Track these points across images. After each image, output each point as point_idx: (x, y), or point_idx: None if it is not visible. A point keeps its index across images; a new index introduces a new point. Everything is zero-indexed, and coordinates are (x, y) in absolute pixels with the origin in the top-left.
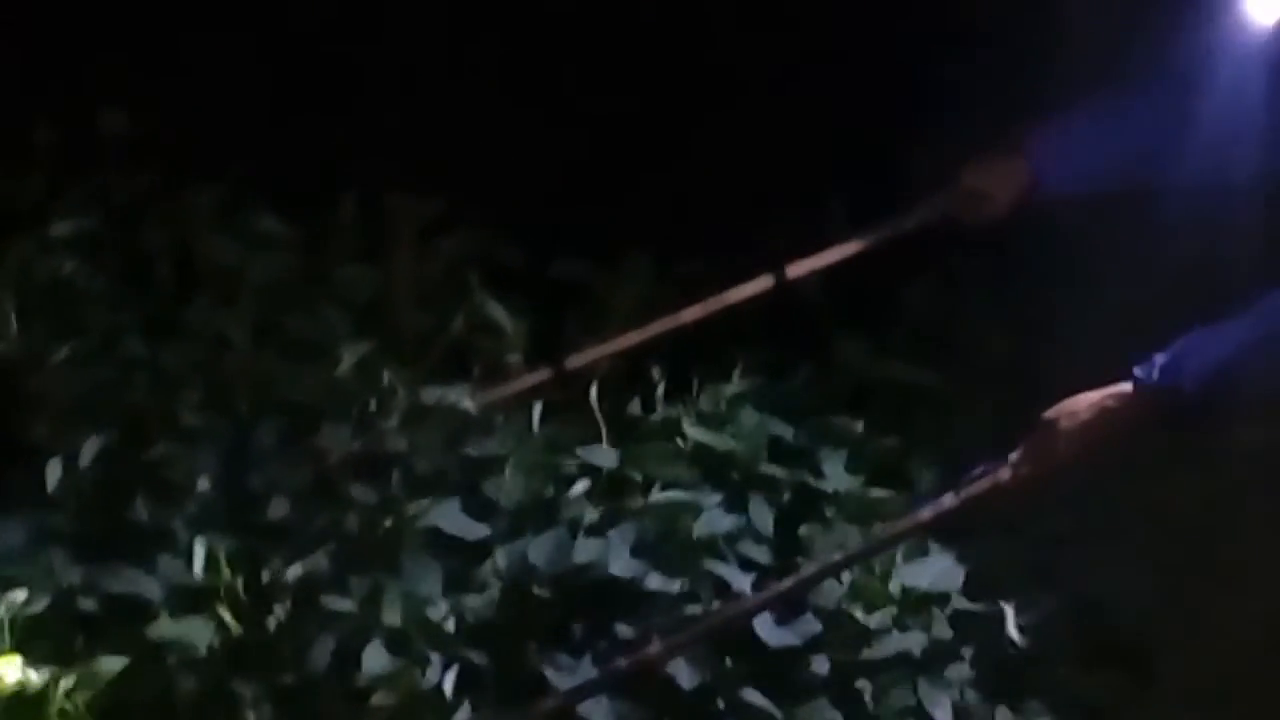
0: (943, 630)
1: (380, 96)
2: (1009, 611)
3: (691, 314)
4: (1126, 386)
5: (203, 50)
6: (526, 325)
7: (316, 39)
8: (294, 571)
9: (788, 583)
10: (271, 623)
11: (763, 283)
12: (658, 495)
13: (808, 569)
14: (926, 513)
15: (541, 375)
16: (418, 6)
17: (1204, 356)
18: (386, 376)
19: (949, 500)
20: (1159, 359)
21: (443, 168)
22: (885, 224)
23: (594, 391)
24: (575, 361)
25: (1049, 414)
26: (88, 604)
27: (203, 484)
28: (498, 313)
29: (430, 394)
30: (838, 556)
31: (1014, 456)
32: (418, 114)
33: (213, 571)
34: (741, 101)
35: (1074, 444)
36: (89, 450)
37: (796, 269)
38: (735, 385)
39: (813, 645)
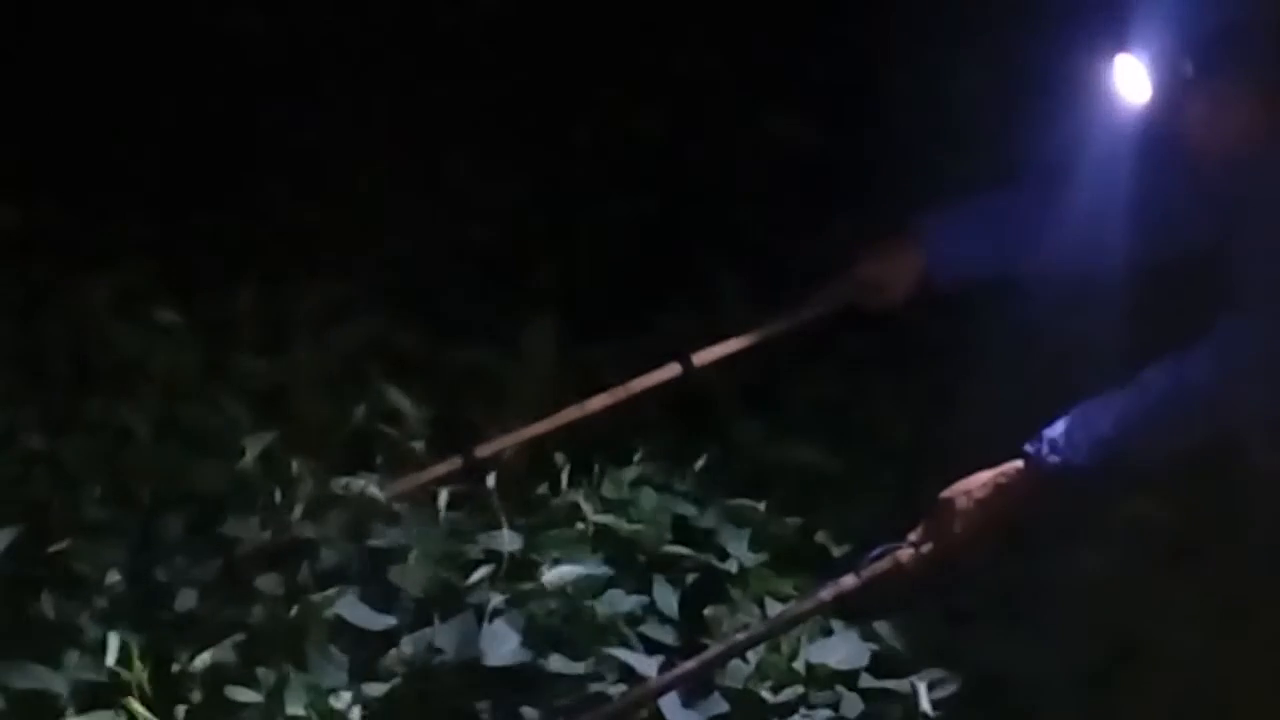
0: (851, 708)
1: (277, 184)
2: (921, 688)
3: (599, 402)
4: (1018, 463)
5: (96, 142)
6: (428, 412)
7: (210, 127)
8: (202, 663)
9: (692, 664)
10: (180, 714)
11: (669, 371)
12: (559, 575)
13: (712, 650)
14: (827, 593)
15: (451, 465)
16: (315, 94)
17: (1092, 429)
18: (293, 467)
19: (850, 581)
20: (1048, 434)
21: (341, 255)
22: (785, 312)
23: (496, 477)
24: (484, 451)
25: (945, 494)
26: None
27: (111, 577)
28: (399, 400)
29: (335, 484)
30: (741, 637)
31: (912, 536)
32: (315, 202)
33: (122, 665)
34: (635, 185)
35: (970, 522)
36: None
37: (701, 357)
38: (635, 469)
39: None
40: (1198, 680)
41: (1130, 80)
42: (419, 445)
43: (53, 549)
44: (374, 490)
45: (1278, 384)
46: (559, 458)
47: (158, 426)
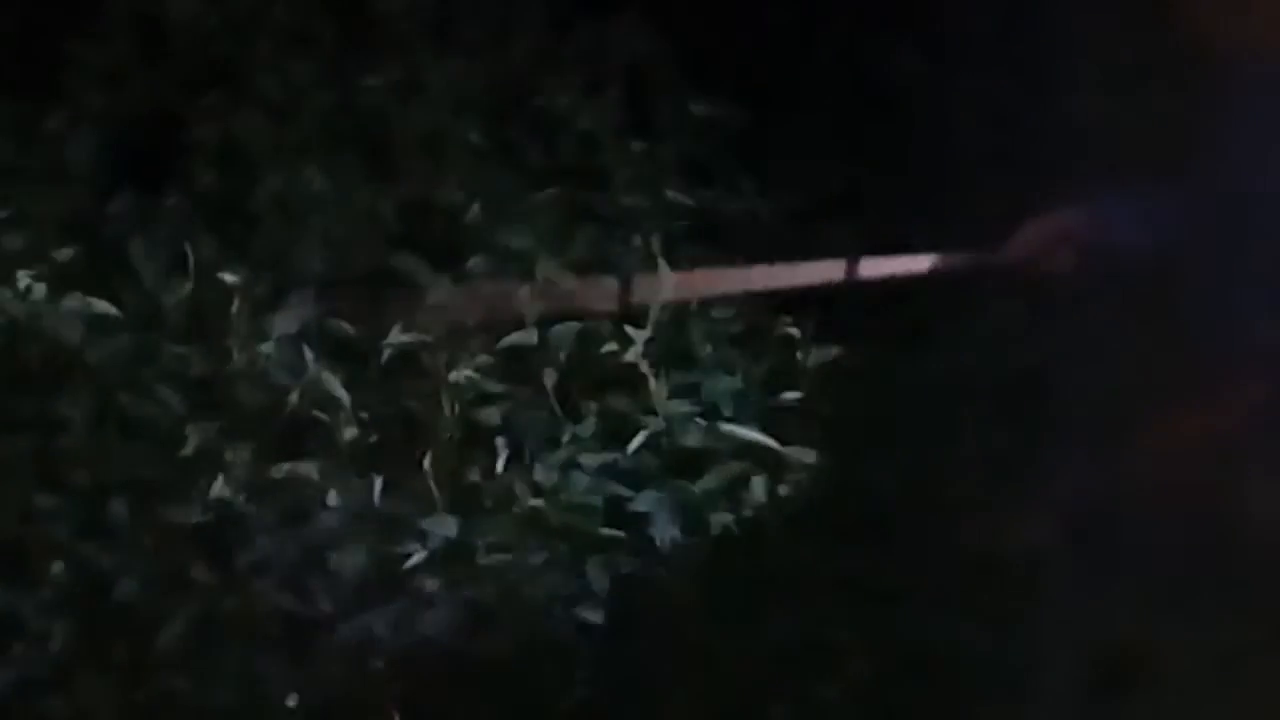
0: None
1: (214, 168)
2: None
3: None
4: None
5: (27, 125)
6: (362, 397)
7: (147, 113)
8: (143, 653)
9: None
10: (123, 704)
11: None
12: (495, 560)
13: None
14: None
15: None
16: (253, 77)
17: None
18: (228, 453)
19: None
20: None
21: (276, 241)
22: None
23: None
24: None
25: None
26: None
27: (55, 567)
28: (334, 386)
29: (274, 470)
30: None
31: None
32: (254, 187)
33: (69, 656)
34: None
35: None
36: None
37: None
38: (566, 451)
39: None
40: (1136, 662)
41: None
42: (352, 431)
43: None
44: (312, 476)
45: None
46: (499, 441)
47: (94, 415)
